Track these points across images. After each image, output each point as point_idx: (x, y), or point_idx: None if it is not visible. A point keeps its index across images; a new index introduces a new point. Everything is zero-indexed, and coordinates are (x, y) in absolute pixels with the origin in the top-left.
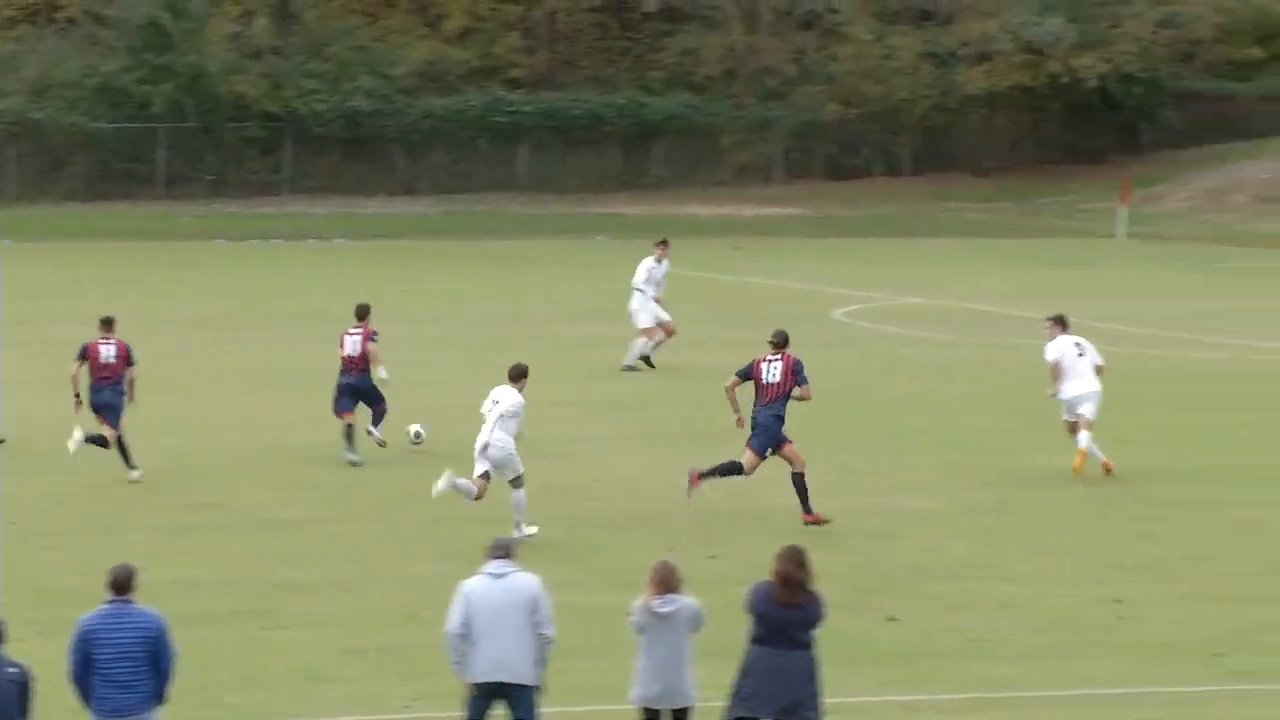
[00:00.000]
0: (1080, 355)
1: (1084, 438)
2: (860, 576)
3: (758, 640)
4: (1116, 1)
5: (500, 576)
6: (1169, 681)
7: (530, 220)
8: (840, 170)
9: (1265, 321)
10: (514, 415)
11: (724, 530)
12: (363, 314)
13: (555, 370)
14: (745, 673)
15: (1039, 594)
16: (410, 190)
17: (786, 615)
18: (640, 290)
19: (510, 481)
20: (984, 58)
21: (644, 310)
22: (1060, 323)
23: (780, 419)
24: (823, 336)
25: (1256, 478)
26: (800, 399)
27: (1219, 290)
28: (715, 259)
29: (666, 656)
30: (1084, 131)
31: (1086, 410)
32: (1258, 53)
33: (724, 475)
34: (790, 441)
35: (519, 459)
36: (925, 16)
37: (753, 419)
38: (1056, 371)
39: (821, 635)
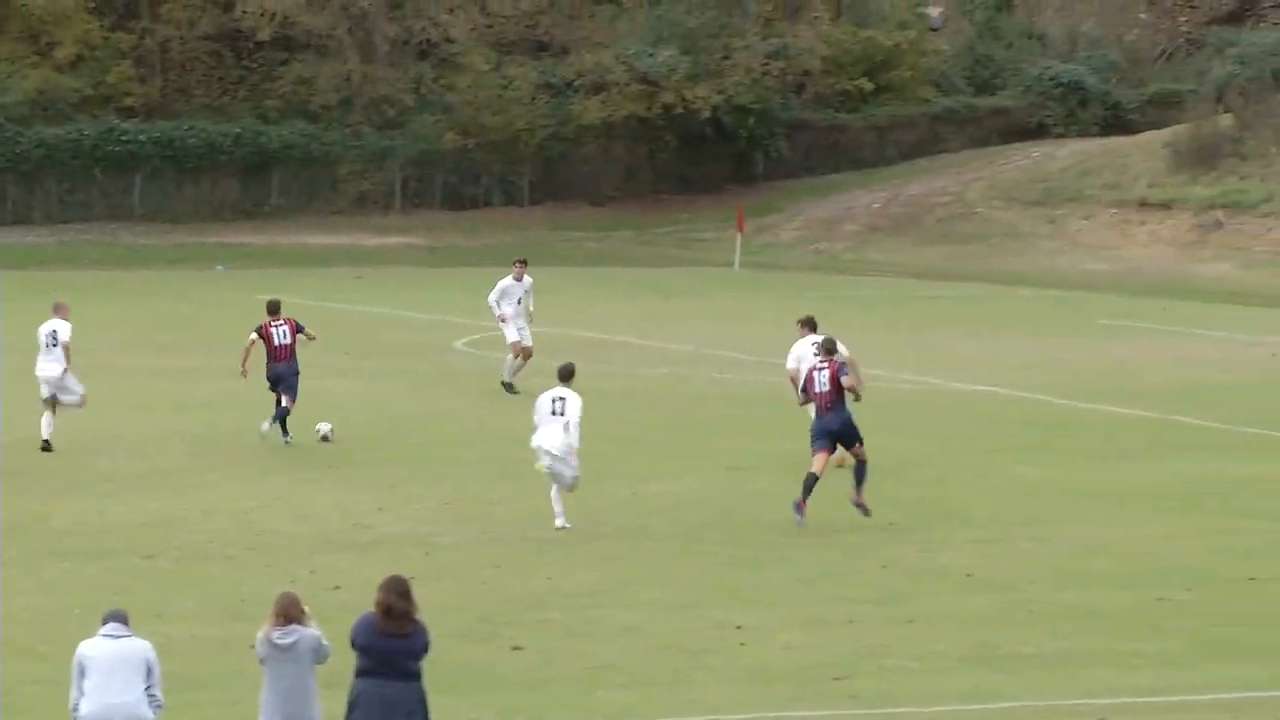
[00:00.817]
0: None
1: None
2: (485, 605)
3: (364, 673)
4: (728, 33)
5: (117, 638)
6: (790, 706)
7: (146, 250)
8: (459, 200)
9: (871, 349)
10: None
11: (348, 561)
12: (275, 308)
13: (163, 401)
14: (353, 706)
15: (660, 620)
16: (23, 220)
17: (392, 646)
18: (492, 307)
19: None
20: (599, 88)
21: (509, 327)
22: (809, 324)
23: (850, 420)
24: (446, 366)
25: (848, 506)
26: (852, 388)
27: (827, 318)
28: (336, 288)
29: (289, 688)
30: (699, 161)
31: None
32: (866, 84)
33: (810, 492)
34: (861, 441)
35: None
36: (541, 47)
37: (821, 426)
38: (797, 377)
39: (445, 665)
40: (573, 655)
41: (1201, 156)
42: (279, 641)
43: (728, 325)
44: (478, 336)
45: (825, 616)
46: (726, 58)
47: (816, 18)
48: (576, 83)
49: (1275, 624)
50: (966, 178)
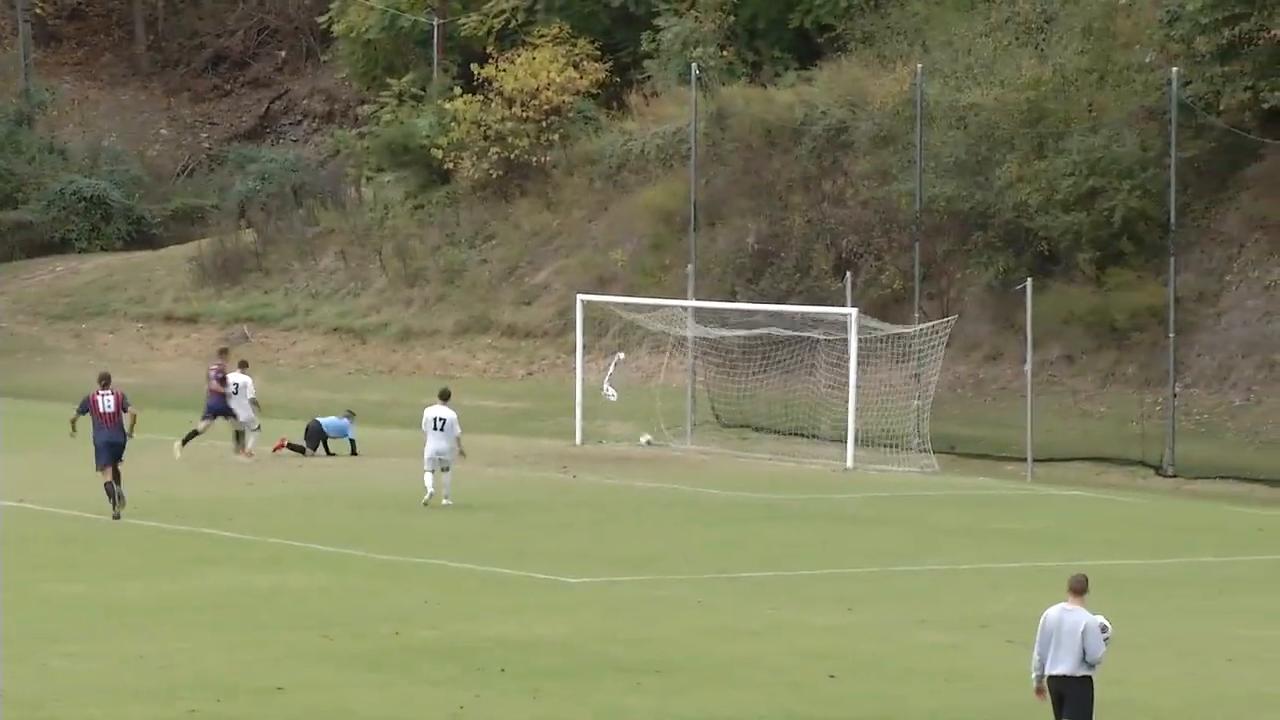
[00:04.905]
0: (236, 392)
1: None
2: None
3: None
4: None
5: None
6: None
7: None
8: None
9: None
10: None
11: None
12: (106, 381)
13: None
14: None
15: None
16: None
17: None
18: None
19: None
20: None
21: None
22: (234, 360)
23: (124, 439)
24: None
25: None
26: (133, 415)
27: None
28: None
29: None
30: None
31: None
32: None
33: (112, 496)
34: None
35: None
36: None
37: (104, 440)
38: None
39: None
40: None
41: (226, 271)
42: None
43: None
44: None
45: None
46: None
47: None
48: None
49: None
50: None
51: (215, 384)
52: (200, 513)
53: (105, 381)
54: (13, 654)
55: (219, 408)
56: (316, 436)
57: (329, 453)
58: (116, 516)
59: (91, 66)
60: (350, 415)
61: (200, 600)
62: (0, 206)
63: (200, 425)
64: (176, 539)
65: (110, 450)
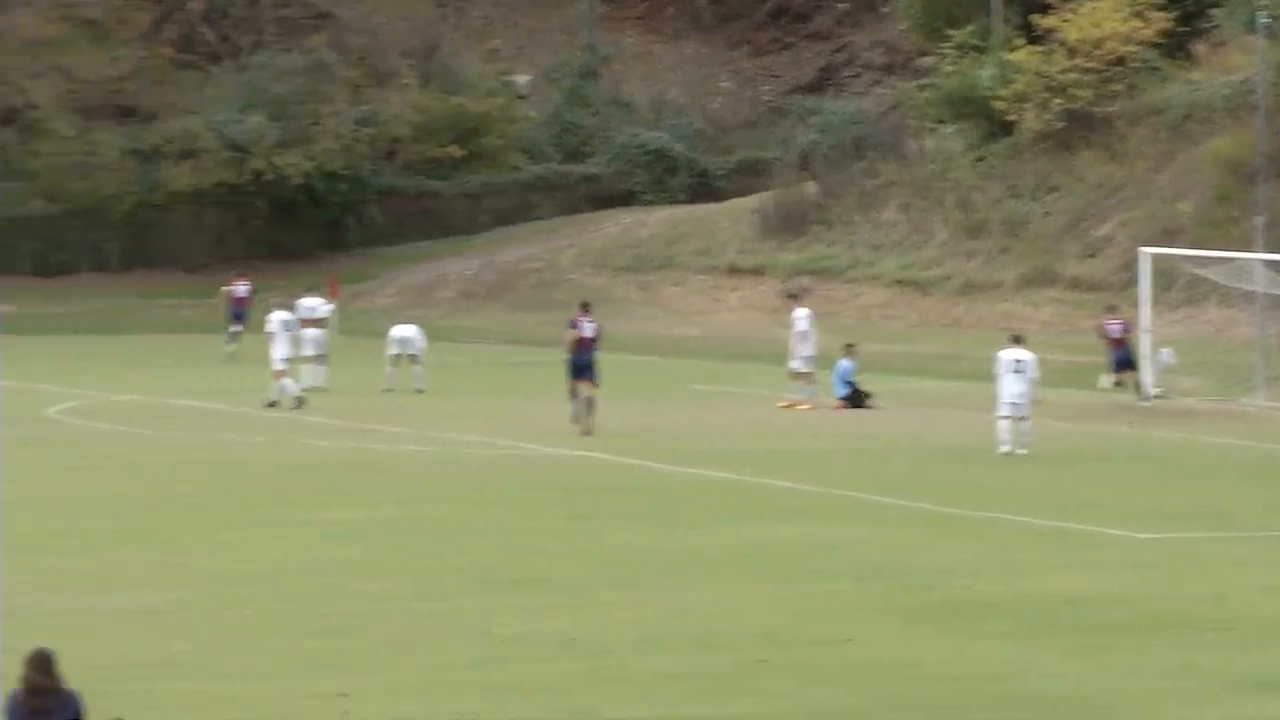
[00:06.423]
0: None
1: None
2: (86, 678)
3: None
4: (316, 100)
5: None
6: None
7: None
8: (47, 267)
9: (466, 416)
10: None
11: None
12: (587, 308)
13: None
14: None
15: (261, 691)
16: None
17: None
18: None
19: None
20: (188, 155)
21: None
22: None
23: (594, 362)
24: (38, 435)
25: (443, 571)
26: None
27: (429, 384)
28: None
29: None
30: (291, 228)
31: None
32: (456, 151)
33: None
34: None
35: None
36: (127, 113)
37: (578, 362)
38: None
39: None
40: None
41: (788, 223)
42: None
43: (325, 393)
44: (71, 404)
45: (419, 681)
46: (316, 124)
47: (405, 84)
48: (165, 149)
49: (870, 682)
50: (558, 244)
51: (1115, 334)
52: (761, 464)
53: (586, 308)
54: (580, 601)
55: (1123, 359)
56: (853, 399)
57: (861, 404)
58: (587, 433)
59: (654, 20)
60: (849, 348)
61: (760, 550)
62: (567, 159)
63: (1116, 378)
64: (737, 489)
65: (583, 369)
